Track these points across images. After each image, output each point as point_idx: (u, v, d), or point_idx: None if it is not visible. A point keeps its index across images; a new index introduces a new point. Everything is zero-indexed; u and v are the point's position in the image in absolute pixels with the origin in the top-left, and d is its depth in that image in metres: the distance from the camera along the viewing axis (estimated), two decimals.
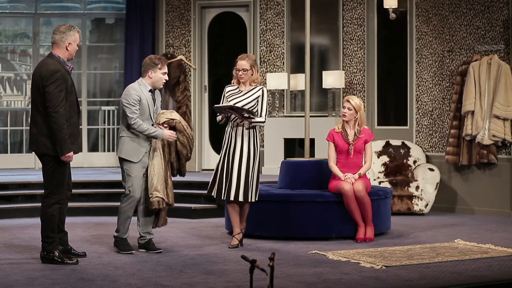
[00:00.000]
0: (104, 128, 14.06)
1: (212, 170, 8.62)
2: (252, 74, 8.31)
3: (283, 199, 8.83)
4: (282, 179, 9.39)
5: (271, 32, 12.82)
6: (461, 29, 11.18)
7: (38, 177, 11.12)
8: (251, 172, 8.23)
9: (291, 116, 12.61)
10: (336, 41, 12.42)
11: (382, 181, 10.85)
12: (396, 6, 11.26)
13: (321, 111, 12.43)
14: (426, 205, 10.82)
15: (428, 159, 11.44)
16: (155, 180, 7.80)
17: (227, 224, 9.07)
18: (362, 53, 12.17)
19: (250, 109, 8.18)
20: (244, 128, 8.27)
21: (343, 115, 8.92)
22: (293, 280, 6.66)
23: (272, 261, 4.64)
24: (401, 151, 11.45)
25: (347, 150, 8.88)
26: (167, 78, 8.07)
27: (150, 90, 7.93)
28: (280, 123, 12.47)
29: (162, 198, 7.80)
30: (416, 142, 11.60)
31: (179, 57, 13.19)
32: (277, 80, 12.41)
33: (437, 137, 11.45)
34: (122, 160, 7.87)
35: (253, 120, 8.17)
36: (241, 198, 8.20)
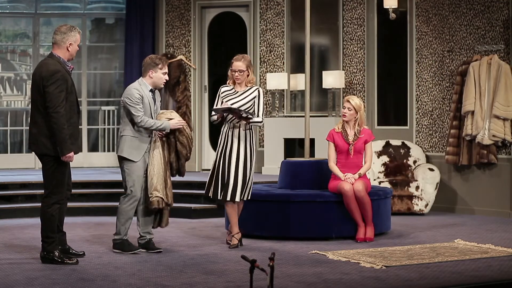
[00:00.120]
0: (104, 128, 14.06)
1: None
2: (248, 75, 8.33)
3: (283, 199, 8.83)
4: (282, 179, 9.39)
5: (271, 32, 12.82)
6: (461, 29, 11.18)
7: (38, 177, 11.11)
8: (248, 172, 8.25)
9: (291, 116, 12.61)
10: (336, 41, 12.42)
11: (382, 181, 10.86)
12: (396, 6, 11.26)
13: (321, 111, 12.43)
14: (426, 205, 10.82)
15: (428, 159, 11.44)
16: (155, 180, 7.80)
17: (227, 224, 9.07)
18: (362, 53, 12.17)
19: (247, 109, 8.20)
20: (241, 128, 8.28)
21: (343, 115, 8.92)
22: (293, 280, 6.66)
23: (272, 261, 4.64)
24: (401, 151, 11.45)
25: (347, 150, 8.88)
26: (167, 78, 8.08)
27: (150, 90, 7.94)
28: (280, 123, 12.47)
29: (162, 198, 7.81)
30: (416, 142, 11.60)
31: (179, 57, 13.19)
32: (277, 80, 12.41)
33: (437, 137, 11.45)
34: (122, 160, 7.87)
35: (250, 120, 8.19)
36: (237, 199, 8.22)
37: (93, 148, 14.04)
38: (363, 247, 8.28)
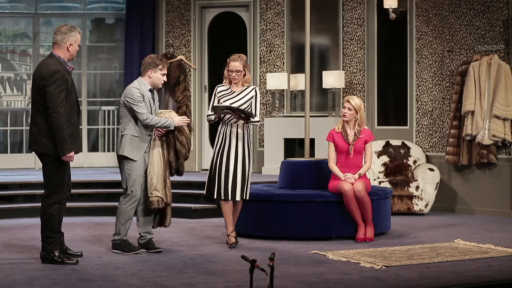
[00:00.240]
0: (104, 128, 14.07)
1: None
2: (244, 75, 8.34)
3: (283, 199, 8.83)
4: (282, 179, 9.38)
5: (271, 32, 12.82)
6: (461, 29, 11.18)
7: (38, 177, 11.12)
8: (247, 171, 8.27)
9: (291, 116, 12.61)
10: (336, 41, 12.42)
11: (382, 181, 10.86)
12: (396, 6, 11.26)
13: (321, 111, 12.43)
14: (426, 205, 10.82)
15: (428, 159, 11.44)
16: (155, 179, 7.81)
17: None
18: (362, 53, 12.17)
19: (245, 109, 8.21)
20: (239, 127, 8.29)
21: (343, 115, 8.92)
22: (293, 280, 6.66)
23: (272, 261, 4.64)
24: (401, 151, 11.45)
25: (347, 150, 8.88)
26: (165, 79, 8.09)
27: (150, 90, 7.95)
28: (280, 123, 12.47)
29: (161, 198, 7.81)
30: (416, 142, 11.60)
31: (179, 57, 13.19)
32: (277, 80, 12.41)
33: (437, 137, 11.45)
34: (122, 159, 7.88)
35: (249, 120, 8.20)
36: (238, 198, 8.23)
37: (93, 148, 14.04)
38: (363, 247, 8.28)
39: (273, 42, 12.80)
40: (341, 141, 8.90)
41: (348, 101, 8.88)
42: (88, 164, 13.71)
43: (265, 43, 12.85)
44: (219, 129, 8.39)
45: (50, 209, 7.27)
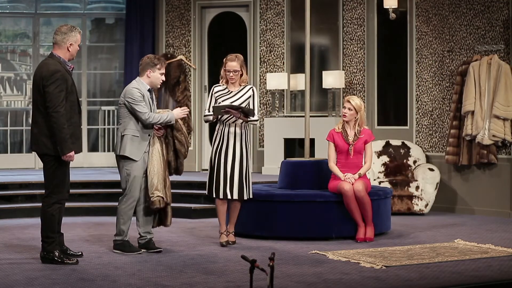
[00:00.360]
0: (104, 128, 14.07)
1: None
2: (241, 75, 8.34)
3: (283, 199, 8.83)
4: (282, 179, 9.38)
5: (271, 32, 12.83)
6: (461, 29, 11.18)
7: (38, 177, 11.13)
8: (245, 170, 8.28)
9: (291, 116, 12.61)
10: (336, 41, 12.42)
11: (382, 181, 10.86)
12: (396, 6, 11.26)
13: (321, 111, 12.43)
14: (426, 205, 10.82)
15: (428, 159, 11.44)
16: (155, 179, 7.81)
17: (227, 224, 9.06)
18: (362, 53, 12.17)
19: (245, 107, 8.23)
20: (237, 127, 8.29)
21: (344, 115, 8.91)
22: (293, 280, 6.66)
23: (272, 261, 4.64)
24: (401, 151, 11.45)
25: (347, 151, 8.88)
26: (164, 79, 8.09)
27: (148, 89, 7.96)
28: (280, 123, 12.47)
29: (162, 197, 7.82)
30: (416, 142, 11.60)
31: (179, 57, 13.19)
32: (277, 80, 12.41)
33: (437, 137, 11.45)
34: (122, 159, 7.88)
35: (248, 119, 8.20)
36: (235, 196, 8.24)
37: (93, 148, 14.04)
38: (363, 247, 8.28)
39: (273, 42, 12.80)
40: (341, 141, 8.90)
41: (348, 101, 8.88)
42: (88, 164, 13.71)
43: (265, 43, 12.85)
44: (216, 128, 8.40)
45: (51, 209, 7.28)
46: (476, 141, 10.73)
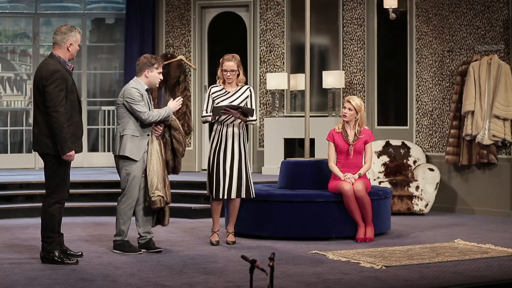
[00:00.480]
0: (104, 128, 14.07)
1: None
2: (238, 75, 8.34)
3: (283, 199, 8.83)
4: (282, 179, 9.38)
5: (271, 32, 12.83)
6: (461, 29, 11.18)
7: (38, 177, 11.13)
8: (244, 170, 8.28)
9: (291, 116, 12.61)
10: (336, 41, 12.42)
11: (382, 181, 10.86)
12: (396, 6, 11.26)
13: (321, 111, 12.43)
14: (426, 205, 10.82)
15: (428, 159, 11.44)
16: (155, 179, 7.81)
17: (226, 224, 9.06)
18: (362, 53, 12.17)
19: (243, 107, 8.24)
20: (234, 127, 8.29)
21: (344, 115, 8.91)
22: (293, 280, 6.66)
23: (272, 261, 4.64)
24: (401, 151, 11.45)
25: (347, 151, 8.88)
26: (161, 78, 8.10)
27: (146, 89, 7.96)
28: (280, 123, 12.47)
29: (162, 197, 7.83)
30: (416, 142, 11.60)
31: (179, 57, 13.19)
32: (277, 80, 12.41)
33: (437, 137, 11.45)
34: (122, 159, 7.88)
35: (247, 119, 8.21)
36: (233, 195, 8.25)
37: (93, 148, 14.05)
38: (363, 247, 8.28)
39: (273, 42, 12.80)
40: (341, 141, 8.90)
41: (349, 101, 8.88)
42: (88, 164, 13.71)
43: (265, 43, 12.85)
44: (214, 128, 8.40)
45: (51, 209, 7.28)
46: (476, 141, 10.73)
